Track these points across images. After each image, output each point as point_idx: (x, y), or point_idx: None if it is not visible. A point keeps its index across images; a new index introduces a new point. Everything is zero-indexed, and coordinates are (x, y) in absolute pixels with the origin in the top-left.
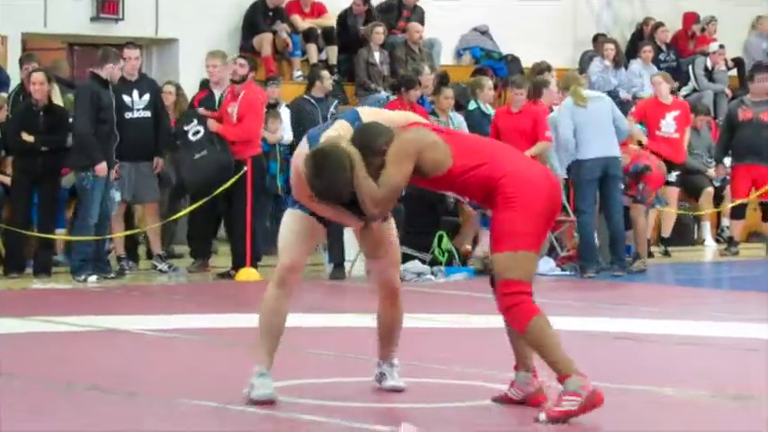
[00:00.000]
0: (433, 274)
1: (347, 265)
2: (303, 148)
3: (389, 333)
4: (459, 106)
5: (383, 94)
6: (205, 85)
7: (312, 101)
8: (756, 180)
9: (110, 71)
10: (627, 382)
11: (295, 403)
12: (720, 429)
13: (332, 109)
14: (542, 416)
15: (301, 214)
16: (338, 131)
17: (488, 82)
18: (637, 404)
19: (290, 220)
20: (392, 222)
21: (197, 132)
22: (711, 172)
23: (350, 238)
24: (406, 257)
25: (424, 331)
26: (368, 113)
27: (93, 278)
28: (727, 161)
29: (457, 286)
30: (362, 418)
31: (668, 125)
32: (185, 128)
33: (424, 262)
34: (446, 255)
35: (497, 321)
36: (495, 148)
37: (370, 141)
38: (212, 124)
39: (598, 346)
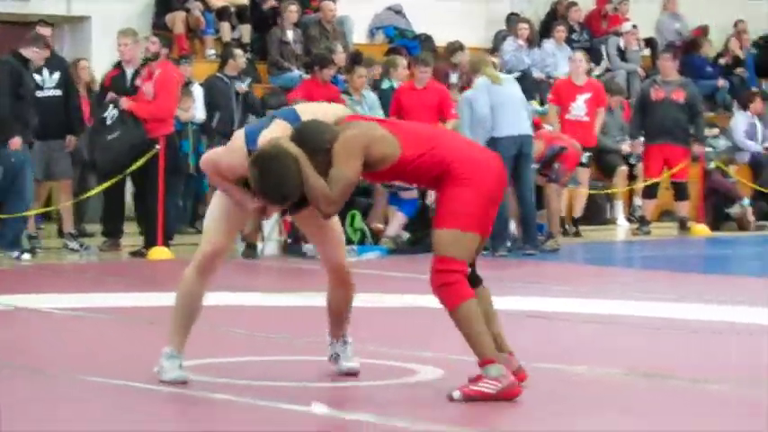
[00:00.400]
0: None
1: (259, 244)
2: (238, 142)
3: (340, 314)
4: (373, 85)
5: (296, 72)
6: (119, 63)
7: (225, 79)
8: (669, 159)
9: (33, 54)
10: (539, 360)
11: (205, 382)
12: (632, 408)
13: (244, 86)
14: (456, 393)
15: (226, 196)
16: (276, 132)
17: (403, 61)
18: (549, 382)
19: (214, 204)
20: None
21: (113, 117)
22: (625, 147)
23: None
24: None
25: None
26: (306, 111)
27: (26, 256)
28: (642, 140)
29: (369, 265)
30: (274, 396)
31: (578, 108)
32: (103, 115)
33: None
34: (358, 234)
35: (410, 300)
36: (444, 135)
37: (314, 140)
38: (125, 102)
39: (510, 324)
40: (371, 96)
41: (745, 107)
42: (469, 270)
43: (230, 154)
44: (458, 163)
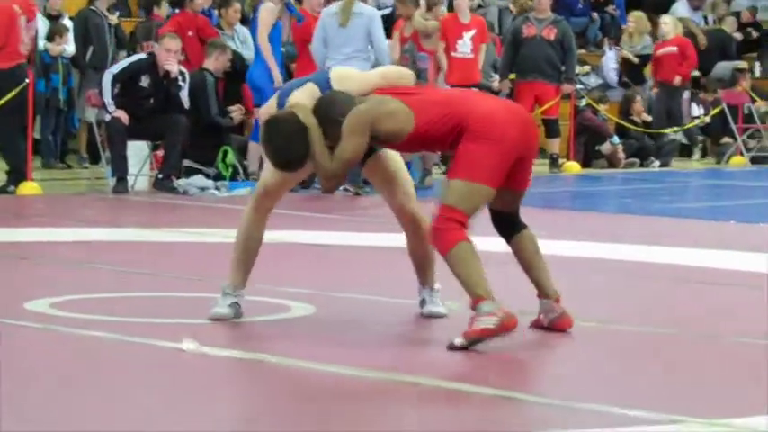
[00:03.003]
0: (216, 188)
1: (130, 179)
2: (272, 103)
3: (422, 262)
4: (245, 20)
5: (167, 9)
6: None
7: (98, 12)
8: (539, 97)
9: None
10: (399, 295)
11: (74, 318)
12: (518, 344)
13: (114, 19)
14: (458, 340)
15: None
16: (304, 94)
17: None
18: (440, 323)
19: None
20: (396, 154)
21: None
22: (495, 84)
23: (134, 152)
24: (190, 171)
25: (209, 246)
26: (339, 78)
27: None
28: (512, 77)
29: (241, 201)
30: (144, 333)
31: (464, 45)
32: None
33: (208, 176)
34: (230, 170)
35: (282, 236)
36: (461, 97)
37: (328, 112)
38: None
39: (381, 260)
40: (243, 31)
41: (617, 45)
42: (509, 217)
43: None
44: (475, 120)
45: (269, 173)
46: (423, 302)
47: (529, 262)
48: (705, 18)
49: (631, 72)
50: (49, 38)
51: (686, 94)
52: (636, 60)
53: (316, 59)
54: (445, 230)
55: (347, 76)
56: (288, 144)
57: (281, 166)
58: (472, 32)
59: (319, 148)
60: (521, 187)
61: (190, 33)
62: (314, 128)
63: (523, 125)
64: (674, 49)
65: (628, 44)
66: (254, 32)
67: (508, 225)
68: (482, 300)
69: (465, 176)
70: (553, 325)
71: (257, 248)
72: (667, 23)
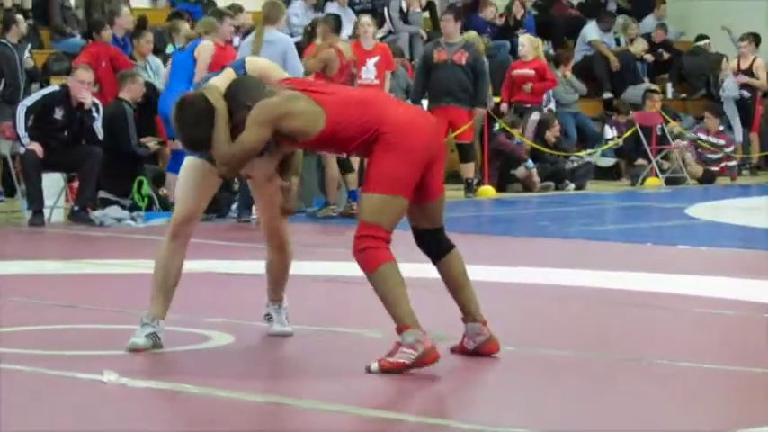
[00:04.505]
0: (132, 219)
1: (46, 211)
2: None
3: (278, 279)
4: (157, 50)
5: (79, 38)
6: None
7: (9, 45)
8: (453, 121)
9: None
10: (333, 323)
11: None
12: (444, 369)
13: (26, 53)
14: (374, 366)
15: (196, 162)
16: (221, 79)
17: (185, 25)
18: (361, 351)
19: (185, 169)
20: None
21: None
22: None
23: (49, 184)
24: (105, 203)
25: (126, 278)
26: (254, 63)
27: None
28: (425, 103)
29: (157, 231)
30: (65, 366)
31: (368, 72)
32: None
33: (123, 207)
34: (146, 200)
35: (200, 266)
36: (375, 99)
37: (238, 97)
38: None
39: (298, 287)
40: (156, 61)
41: None
42: (434, 236)
43: None
44: (387, 127)
45: (181, 200)
46: (269, 318)
47: (456, 283)
48: (618, 40)
49: None
50: None
51: (535, 115)
52: None
53: None
54: (372, 250)
55: (263, 65)
56: (195, 125)
57: (188, 146)
58: (375, 59)
59: (221, 130)
60: (437, 195)
61: (103, 64)
62: (221, 110)
63: (432, 131)
64: (531, 72)
65: None
66: (182, 66)
67: (434, 244)
68: (407, 329)
69: (379, 190)
70: (480, 349)
71: (176, 278)
72: (524, 45)
